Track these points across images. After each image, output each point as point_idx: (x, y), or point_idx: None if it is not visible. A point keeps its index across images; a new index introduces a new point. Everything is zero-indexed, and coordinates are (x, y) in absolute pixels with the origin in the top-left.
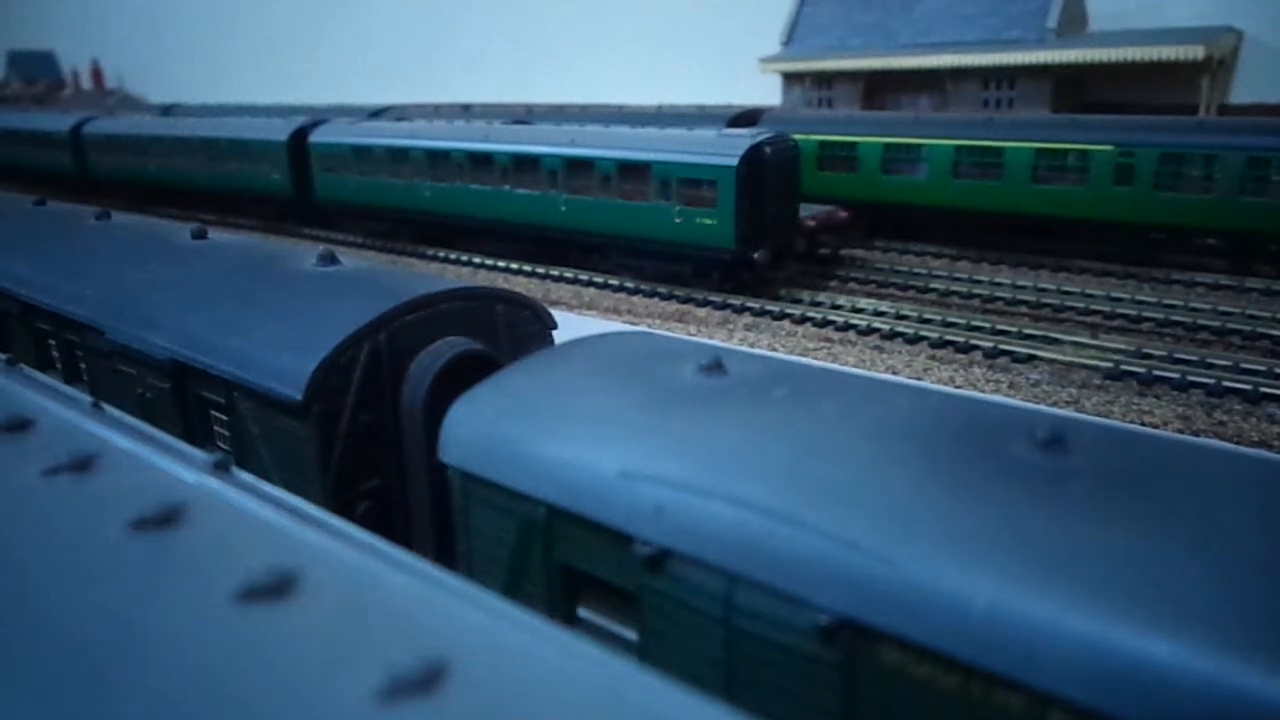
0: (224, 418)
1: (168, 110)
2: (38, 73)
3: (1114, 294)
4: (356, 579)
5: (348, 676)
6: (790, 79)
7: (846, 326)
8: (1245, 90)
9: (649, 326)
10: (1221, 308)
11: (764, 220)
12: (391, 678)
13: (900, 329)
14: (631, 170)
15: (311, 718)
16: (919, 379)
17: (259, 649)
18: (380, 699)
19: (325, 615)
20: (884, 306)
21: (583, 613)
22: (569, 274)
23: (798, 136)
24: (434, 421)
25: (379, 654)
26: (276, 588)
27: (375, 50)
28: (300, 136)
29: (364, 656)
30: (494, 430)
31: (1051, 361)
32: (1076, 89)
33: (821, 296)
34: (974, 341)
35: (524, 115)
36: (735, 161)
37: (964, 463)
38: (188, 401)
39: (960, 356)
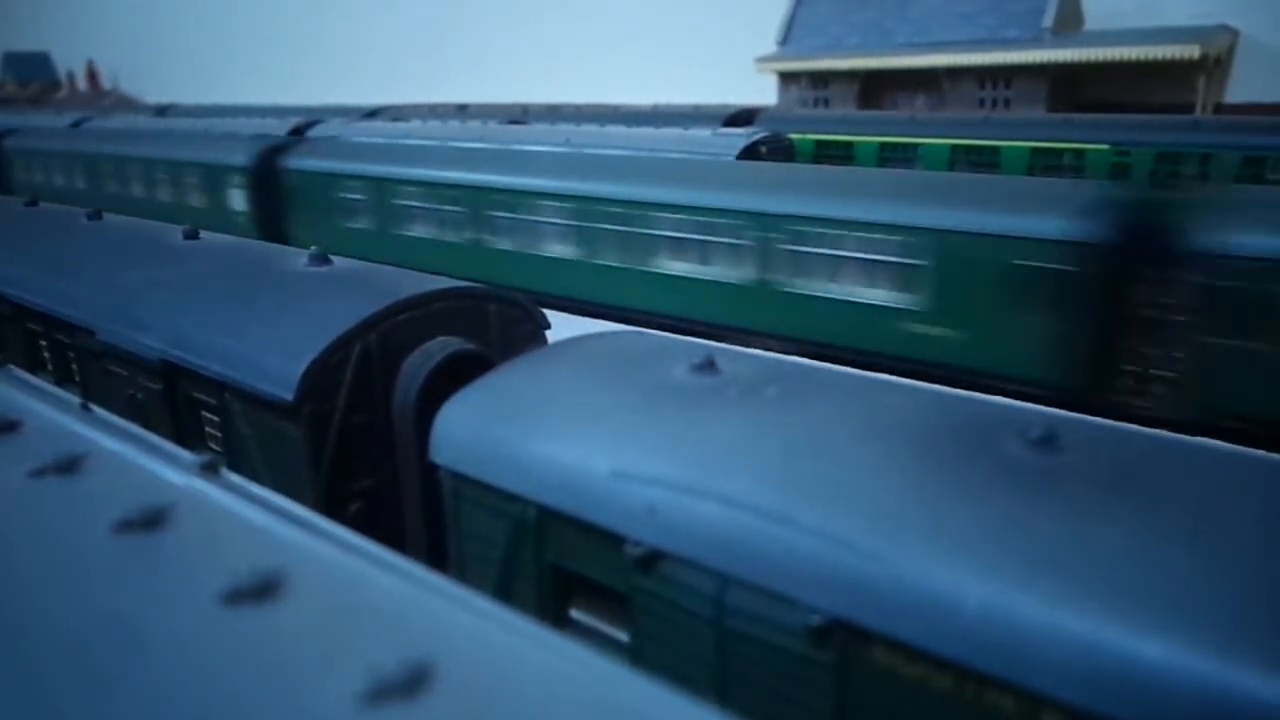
0: (215, 419)
1: (163, 111)
2: (33, 74)
3: None
4: (343, 580)
5: (332, 679)
6: (786, 78)
7: None
8: (1241, 89)
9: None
10: None
11: None
12: (376, 680)
13: None
14: None
15: None
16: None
17: (244, 651)
18: (364, 701)
19: (311, 617)
20: None
21: (574, 614)
22: None
23: (794, 136)
24: (426, 422)
25: (364, 656)
26: (262, 589)
27: (372, 50)
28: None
29: (349, 658)
30: (486, 431)
31: None
32: (1073, 88)
33: None
34: None
35: (519, 115)
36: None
37: (957, 461)
38: (179, 402)
39: None
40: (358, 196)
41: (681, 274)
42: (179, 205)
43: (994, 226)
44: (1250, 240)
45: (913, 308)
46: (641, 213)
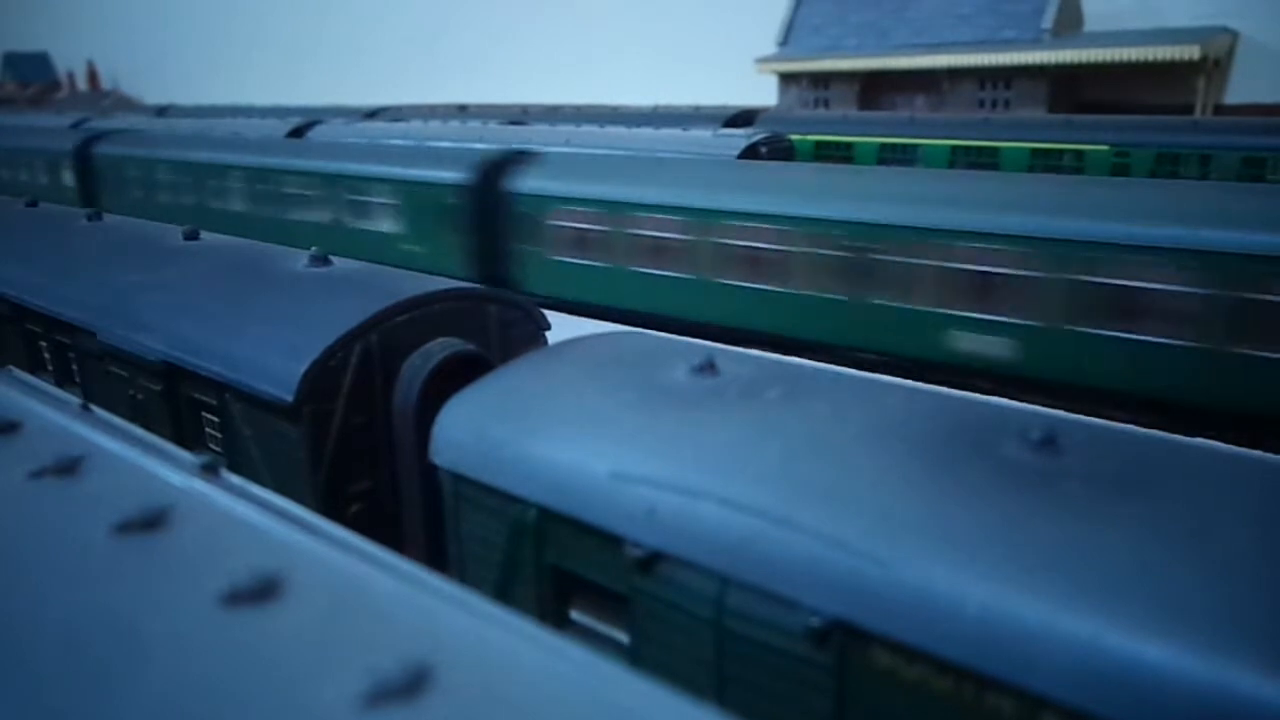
0: (216, 419)
1: (162, 111)
2: (33, 74)
3: None
4: (342, 582)
5: (331, 680)
6: (786, 79)
7: None
8: (1241, 90)
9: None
10: None
11: None
12: (375, 682)
13: None
14: None
15: None
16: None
17: (243, 652)
18: (363, 703)
19: (310, 618)
20: None
21: (574, 615)
22: None
23: (794, 137)
24: (426, 423)
25: (363, 657)
26: (262, 590)
27: (373, 50)
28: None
29: (348, 660)
30: (485, 432)
31: None
32: (1072, 89)
33: None
34: None
35: (519, 115)
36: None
37: (957, 463)
38: (179, 403)
39: None
40: (135, 173)
41: (299, 219)
42: (31, 183)
43: (426, 177)
44: (523, 183)
45: (400, 233)
46: (270, 177)
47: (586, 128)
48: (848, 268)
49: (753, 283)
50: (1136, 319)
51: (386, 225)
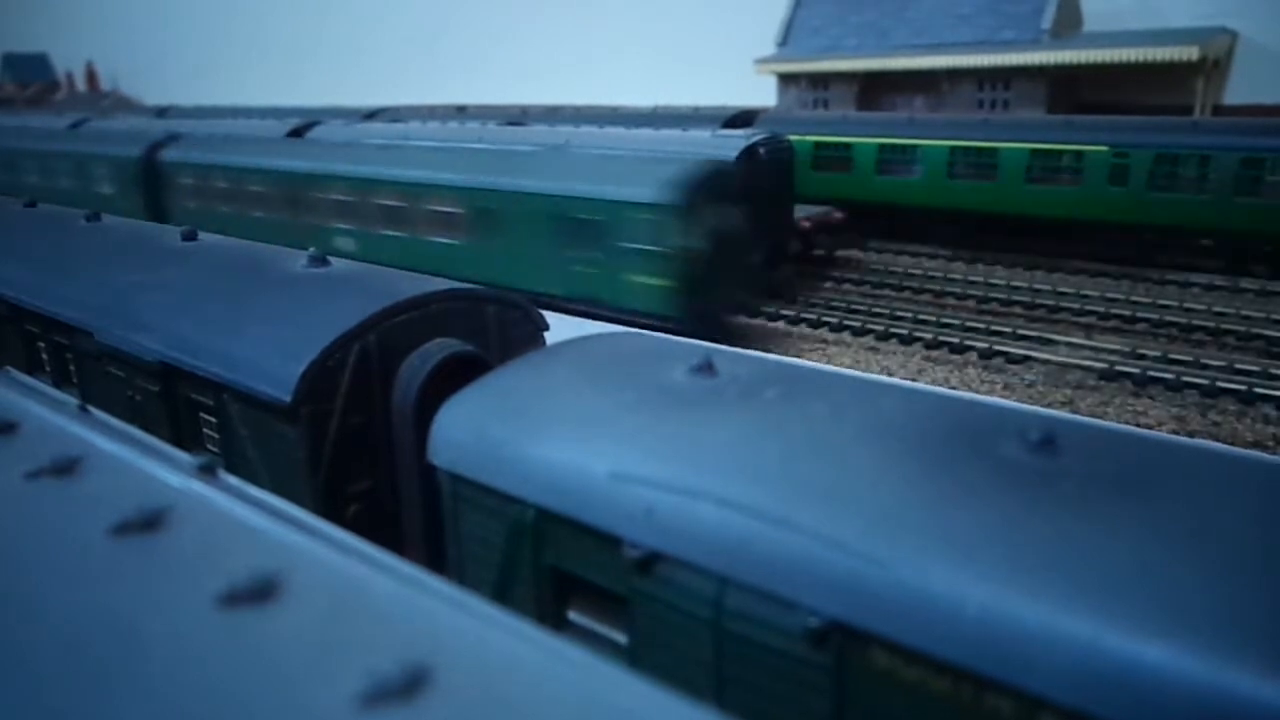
0: (213, 420)
1: (163, 112)
2: (32, 75)
3: (1109, 294)
4: (341, 583)
5: (329, 681)
6: (785, 80)
7: (841, 327)
8: (1240, 91)
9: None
10: (1216, 308)
11: (758, 221)
12: (373, 683)
13: (895, 330)
14: None
15: None
16: (914, 380)
17: (240, 654)
18: (362, 704)
19: (308, 620)
20: (879, 307)
21: (573, 616)
22: None
23: (793, 137)
24: (424, 423)
25: (361, 659)
26: (260, 592)
27: (373, 50)
28: None
29: (346, 662)
30: (484, 432)
31: (1046, 362)
32: (1071, 90)
33: (815, 297)
34: (968, 342)
35: (519, 116)
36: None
37: (956, 464)
38: (177, 404)
39: (955, 357)
40: None
41: (64, 189)
42: None
43: (118, 153)
44: (165, 156)
45: (111, 194)
46: (46, 160)
47: (586, 128)
48: (290, 198)
49: (262, 214)
50: (409, 225)
51: (105, 190)
